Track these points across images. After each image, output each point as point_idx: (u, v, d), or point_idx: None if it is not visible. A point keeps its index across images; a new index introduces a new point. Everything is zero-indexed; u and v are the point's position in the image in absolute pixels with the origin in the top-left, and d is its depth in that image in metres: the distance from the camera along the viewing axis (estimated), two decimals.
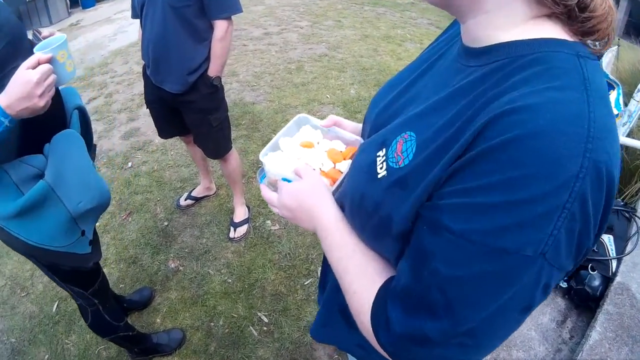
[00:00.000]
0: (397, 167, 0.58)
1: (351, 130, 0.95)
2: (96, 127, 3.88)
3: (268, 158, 0.90)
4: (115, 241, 2.78)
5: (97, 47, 5.72)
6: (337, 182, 0.82)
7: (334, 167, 0.88)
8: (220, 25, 2.07)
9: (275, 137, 0.93)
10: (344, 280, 0.65)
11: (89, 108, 4.19)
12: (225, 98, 2.39)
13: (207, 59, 2.17)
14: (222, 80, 2.30)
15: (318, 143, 0.95)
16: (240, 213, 2.73)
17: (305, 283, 2.43)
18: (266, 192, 0.86)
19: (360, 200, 0.65)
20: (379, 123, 0.75)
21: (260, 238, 2.70)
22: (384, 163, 0.61)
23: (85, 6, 8.09)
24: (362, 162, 0.68)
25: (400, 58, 5.02)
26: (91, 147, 1.55)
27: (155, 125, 2.55)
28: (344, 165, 0.87)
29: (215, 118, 2.33)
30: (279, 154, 0.92)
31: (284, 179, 0.84)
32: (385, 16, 6.83)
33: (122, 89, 4.43)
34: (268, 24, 6.12)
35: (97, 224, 2.91)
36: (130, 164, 3.38)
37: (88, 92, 4.49)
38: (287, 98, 4.08)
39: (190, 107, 2.28)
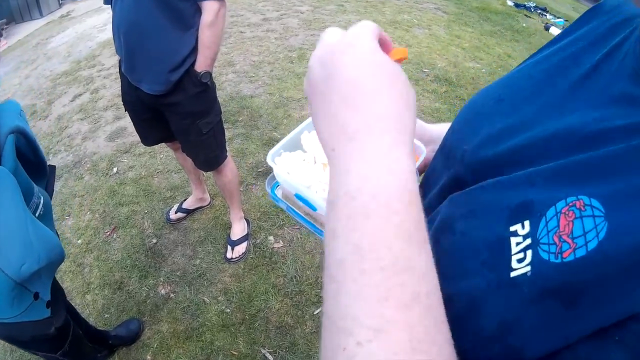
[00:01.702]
0: (561, 261, 0.31)
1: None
2: (80, 127, 3.45)
3: (281, 162, 0.60)
4: (99, 262, 2.37)
5: (86, 39, 5.22)
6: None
7: None
8: (209, 8, 1.60)
9: (294, 132, 0.62)
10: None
11: (73, 106, 3.75)
12: (221, 91, 1.94)
13: (194, 50, 1.71)
14: (217, 71, 1.84)
15: None
16: (238, 229, 2.29)
17: (315, 312, 2.01)
18: None
19: (464, 308, 0.35)
20: (485, 162, 0.44)
21: (262, 258, 2.27)
22: (528, 251, 0.33)
23: None
24: (471, 238, 0.38)
25: (409, 45, 4.52)
26: (45, 173, 1.34)
27: (137, 131, 2.10)
28: None
29: (206, 123, 1.88)
30: (297, 157, 0.61)
31: (299, 197, 0.58)
32: (390, 0, 6.29)
33: (109, 84, 3.96)
34: (266, 9, 5.57)
35: (79, 241, 2.51)
36: (115, 170, 2.94)
37: (73, 89, 4.03)
38: (288, 90, 3.60)
39: (175, 111, 1.83)
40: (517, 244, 0.34)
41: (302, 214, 0.61)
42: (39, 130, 3.55)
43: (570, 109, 0.40)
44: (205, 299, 2.11)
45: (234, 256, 2.23)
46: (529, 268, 0.32)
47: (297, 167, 0.58)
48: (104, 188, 2.81)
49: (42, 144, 3.35)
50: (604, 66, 0.41)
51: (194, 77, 1.74)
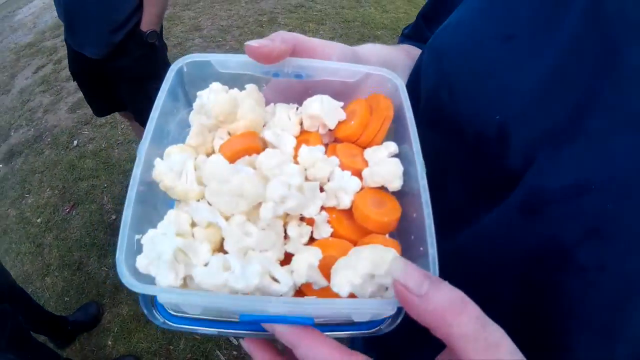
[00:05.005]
0: None
1: (335, 57, 0.33)
2: (42, 100, 3.12)
3: (152, 250, 0.26)
4: (58, 241, 2.11)
5: (52, 9, 4.69)
6: (429, 247, 0.25)
7: (363, 187, 0.30)
8: None
9: (138, 166, 0.29)
10: None
11: (35, 78, 3.39)
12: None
13: (139, 9, 1.44)
14: (183, 36, 1.58)
15: (264, 126, 0.33)
16: None
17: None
18: None
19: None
20: (542, 136, 0.28)
21: None
22: None
23: None
24: (623, 274, 0.25)
25: (385, 10, 4.14)
26: None
27: (87, 102, 1.83)
28: (390, 168, 0.29)
29: (155, 87, 1.58)
30: (172, 228, 0.26)
31: (255, 319, 0.24)
32: None
33: None
34: None
35: (39, 220, 2.24)
36: (75, 143, 2.63)
37: (36, 60, 3.64)
38: None
39: (122, 76, 1.58)
40: None
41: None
42: (1, 105, 3.20)
43: None
44: None
45: None
46: None
47: (196, 259, 0.26)
48: (64, 162, 2.52)
49: (4, 120, 3.03)
50: None
51: (139, 38, 1.46)
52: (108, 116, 2.70)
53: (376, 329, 0.28)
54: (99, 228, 2.12)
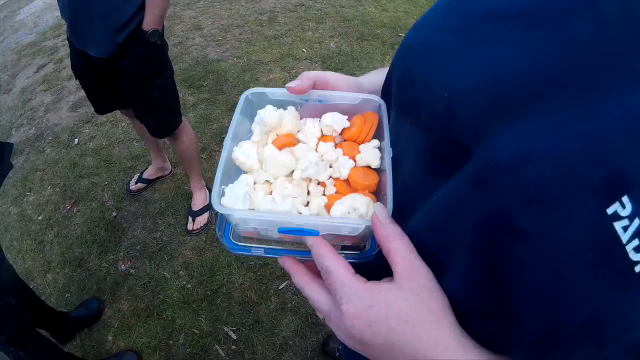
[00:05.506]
0: None
1: (343, 88, 0.51)
2: (44, 99, 3.11)
3: (231, 201, 0.42)
4: (59, 238, 2.12)
5: (53, 8, 4.73)
6: (389, 198, 0.40)
7: (355, 166, 0.47)
8: None
9: (222, 162, 0.44)
10: None
11: (37, 77, 3.39)
12: (187, 55, 1.69)
13: (141, 9, 1.44)
14: (183, 35, 1.60)
15: (299, 132, 0.51)
16: (200, 199, 2.03)
17: (280, 287, 1.79)
18: (306, 283, 0.40)
19: (581, 329, 0.27)
20: (486, 108, 0.32)
21: None
22: None
23: None
24: (560, 238, 0.27)
25: (385, 9, 4.12)
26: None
27: (89, 100, 1.83)
28: (372, 155, 0.46)
29: (157, 86, 1.61)
30: (243, 185, 0.44)
31: (287, 230, 0.40)
32: None
33: None
34: None
35: (40, 217, 2.24)
36: (76, 141, 2.63)
37: (38, 59, 3.63)
38: (257, 53, 3.24)
39: (124, 75, 1.58)
40: (624, 228, 0.25)
41: (289, 249, 0.46)
42: (3, 104, 3.20)
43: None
44: (166, 274, 1.88)
45: (195, 227, 1.98)
46: None
47: (256, 198, 0.43)
48: (65, 160, 2.51)
49: (5, 119, 3.03)
50: None
51: (141, 37, 1.47)
52: (109, 114, 2.70)
53: (373, 254, 0.44)
54: (100, 225, 2.12)
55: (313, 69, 3.03)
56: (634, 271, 0.24)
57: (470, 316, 0.34)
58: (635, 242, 0.24)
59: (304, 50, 3.31)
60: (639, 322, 0.26)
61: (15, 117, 3.02)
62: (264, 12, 3.90)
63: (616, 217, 0.25)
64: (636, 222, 0.24)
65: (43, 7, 4.94)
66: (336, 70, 3.01)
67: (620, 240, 0.25)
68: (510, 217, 0.28)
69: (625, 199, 0.25)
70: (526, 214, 0.27)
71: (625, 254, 0.25)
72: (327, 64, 3.13)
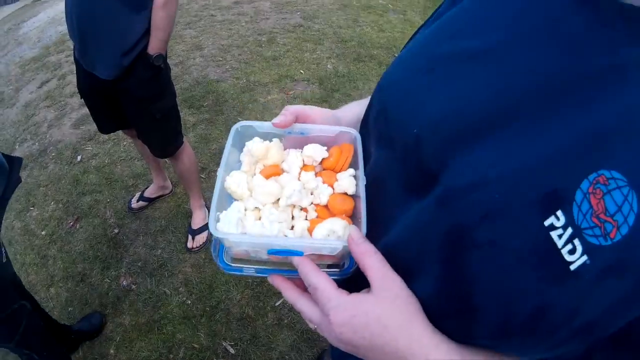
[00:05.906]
0: (609, 242, 0.30)
1: (321, 121, 0.59)
2: (47, 114, 3.18)
3: (225, 225, 0.49)
4: (62, 254, 2.17)
5: (56, 23, 4.83)
6: (363, 221, 0.46)
7: (333, 193, 0.54)
8: None
9: (217, 188, 0.51)
10: None
11: (40, 93, 3.46)
12: (188, 75, 1.75)
13: (147, 33, 1.51)
14: (184, 55, 1.66)
15: (283, 162, 0.57)
16: (199, 218, 2.11)
17: (277, 304, 1.86)
18: (297, 299, 0.48)
19: (531, 318, 0.33)
20: (448, 141, 0.39)
21: None
22: (575, 240, 0.31)
23: None
24: (507, 247, 0.33)
25: (382, 30, 4.24)
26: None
27: (93, 119, 1.89)
28: (348, 182, 0.53)
29: (159, 108, 1.68)
30: (236, 211, 0.50)
31: (276, 252, 0.47)
32: None
33: None
34: None
35: (43, 232, 2.31)
36: (79, 158, 2.70)
37: (41, 75, 3.71)
38: (256, 74, 3.34)
39: (128, 96, 1.64)
40: (559, 236, 0.31)
41: (278, 268, 0.52)
42: (6, 118, 3.26)
43: (529, 55, 0.36)
44: (166, 290, 1.95)
45: (194, 246, 2.06)
46: (585, 258, 0.30)
47: (247, 223, 0.49)
48: (68, 177, 2.58)
49: (9, 133, 3.09)
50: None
51: (146, 61, 1.54)
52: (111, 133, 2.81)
53: (351, 270, 0.50)
54: (102, 241, 2.19)
55: (310, 90, 3.14)
56: (570, 269, 0.31)
57: (439, 315, 0.40)
58: (569, 247, 0.31)
59: (302, 71, 3.41)
60: (580, 311, 0.32)
61: (18, 132, 3.09)
62: (263, 33, 4.01)
63: (552, 227, 0.31)
64: (569, 230, 0.31)
65: (47, 21, 5.02)
66: (333, 90, 3.13)
67: (557, 246, 0.31)
68: (468, 231, 0.35)
69: (559, 212, 0.31)
70: (480, 228, 0.34)
71: (561, 256, 0.31)
72: (324, 85, 3.23)
